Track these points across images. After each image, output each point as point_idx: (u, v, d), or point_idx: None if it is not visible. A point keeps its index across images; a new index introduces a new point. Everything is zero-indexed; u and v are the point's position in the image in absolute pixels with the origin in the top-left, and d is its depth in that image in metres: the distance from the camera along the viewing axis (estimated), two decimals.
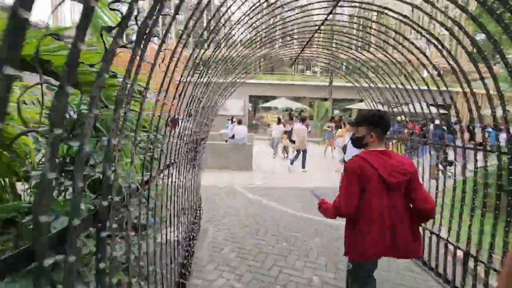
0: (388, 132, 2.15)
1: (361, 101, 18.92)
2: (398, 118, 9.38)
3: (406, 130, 7.20)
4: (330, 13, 3.25)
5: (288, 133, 11.48)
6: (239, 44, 3.35)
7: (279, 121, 11.53)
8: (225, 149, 9.08)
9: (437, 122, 9.01)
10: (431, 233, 3.29)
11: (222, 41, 2.82)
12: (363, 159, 1.89)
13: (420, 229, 3.41)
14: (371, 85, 4.96)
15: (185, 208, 2.77)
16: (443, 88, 3.09)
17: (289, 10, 4.01)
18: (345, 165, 1.98)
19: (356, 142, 2.04)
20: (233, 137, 9.72)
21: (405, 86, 3.84)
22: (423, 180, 3.64)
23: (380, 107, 4.87)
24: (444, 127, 8.26)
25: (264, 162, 10.15)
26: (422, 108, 3.70)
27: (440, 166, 7.79)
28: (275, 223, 4.59)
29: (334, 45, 4.75)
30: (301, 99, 19.96)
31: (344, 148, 7.35)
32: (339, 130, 10.71)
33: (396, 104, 4.45)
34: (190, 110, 2.51)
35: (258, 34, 3.59)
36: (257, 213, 5.06)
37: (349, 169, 1.90)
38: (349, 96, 19.42)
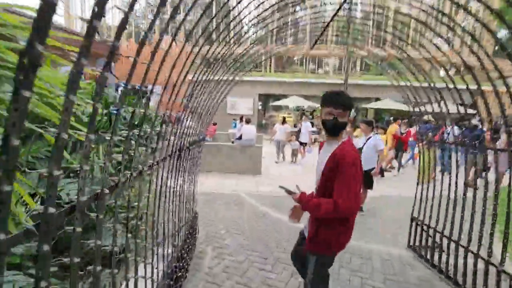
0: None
1: (377, 99, 17.92)
2: (426, 117, 8.42)
3: (441, 132, 6.24)
4: (340, 8, 2.78)
5: (297, 134, 10.50)
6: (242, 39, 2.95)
7: (284, 121, 10.48)
8: (231, 151, 8.24)
9: (474, 122, 7.98)
10: (487, 263, 2.40)
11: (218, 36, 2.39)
12: (355, 151, 1.78)
13: (471, 256, 2.66)
14: (402, 83, 4.06)
15: (160, 239, 1.95)
16: (470, 86, 2.62)
17: (298, 5, 3.50)
18: (345, 158, 1.68)
19: (339, 128, 1.74)
20: (240, 137, 8.87)
21: (431, 84, 3.17)
22: (455, 189, 2.87)
23: (402, 106, 3.97)
24: (481, 127, 7.20)
25: (274, 166, 9.28)
26: (447, 107, 3.14)
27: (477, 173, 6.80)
28: (288, 246, 3.72)
29: (350, 38, 4.09)
30: (313, 97, 18.95)
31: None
32: (357, 130, 9.78)
33: (419, 104, 3.74)
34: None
35: (268, 30, 3.30)
36: (267, 231, 4.20)
37: (352, 162, 1.67)
38: (364, 95, 18.34)
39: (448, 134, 3.53)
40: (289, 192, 1.88)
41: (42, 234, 0.76)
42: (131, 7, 0.94)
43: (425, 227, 3.43)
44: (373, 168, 4.88)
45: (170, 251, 2.18)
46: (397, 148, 8.51)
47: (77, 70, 0.76)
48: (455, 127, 3.42)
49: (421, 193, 3.60)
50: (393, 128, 8.26)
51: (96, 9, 0.72)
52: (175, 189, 2.31)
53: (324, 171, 1.75)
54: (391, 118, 9.40)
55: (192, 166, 3.10)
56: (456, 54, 2.66)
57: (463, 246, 2.77)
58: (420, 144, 4.03)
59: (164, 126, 1.69)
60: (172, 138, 2.17)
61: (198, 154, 3.41)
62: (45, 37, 0.58)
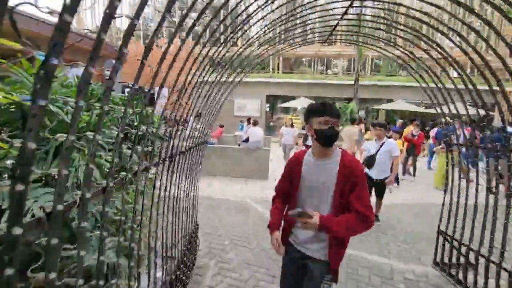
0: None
1: (390, 100, 17.34)
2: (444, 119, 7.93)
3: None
4: (350, 6, 2.58)
5: (304, 137, 10.04)
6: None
7: (292, 124, 10.01)
8: (237, 154, 7.90)
9: (497, 125, 7.47)
10: None
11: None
12: None
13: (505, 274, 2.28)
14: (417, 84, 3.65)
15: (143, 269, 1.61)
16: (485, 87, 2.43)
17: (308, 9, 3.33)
18: (358, 167, 1.67)
19: (336, 136, 1.65)
20: (247, 140, 8.51)
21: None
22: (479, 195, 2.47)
23: (414, 107, 3.54)
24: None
25: (281, 170, 8.87)
26: (456, 108, 2.98)
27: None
28: None
29: (360, 38, 3.77)
30: (322, 99, 18.47)
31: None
32: (368, 132, 9.32)
33: (434, 105, 3.40)
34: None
35: (275, 31, 3.02)
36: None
37: (362, 170, 1.68)
38: (374, 96, 17.79)
39: (458, 136, 3.29)
40: (305, 215, 1.51)
41: None
42: (137, 15, 0.93)
43: (455, 243, 3.01)
44: (387, 177, 4.43)
45: (159, 275, 1.84)
46: (409, 152, 8.00)
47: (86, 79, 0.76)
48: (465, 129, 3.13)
49: (450, 203, 3.18)
50: (409, 129, 7.80)
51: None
52: (166, 203, 1.97)
53: (338, 185, 1.62)
54: (400, 119, 8.94)
55: (191, 172, 2.76)
56: (466, 57, 2.47)
57: (506, 270, 2.35)
58: (440, 147, 3.63)
59: (146, 127, 1.35)
60: (159, 143, 1.84)
61: (199, 158, 3.07)
62: (62, 53, 0.62)
